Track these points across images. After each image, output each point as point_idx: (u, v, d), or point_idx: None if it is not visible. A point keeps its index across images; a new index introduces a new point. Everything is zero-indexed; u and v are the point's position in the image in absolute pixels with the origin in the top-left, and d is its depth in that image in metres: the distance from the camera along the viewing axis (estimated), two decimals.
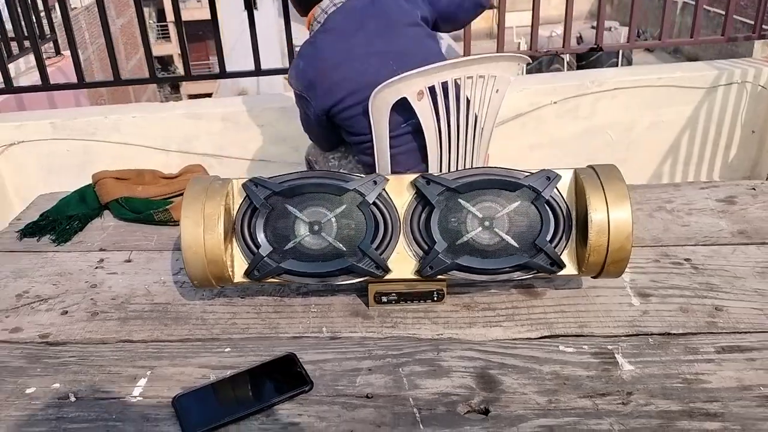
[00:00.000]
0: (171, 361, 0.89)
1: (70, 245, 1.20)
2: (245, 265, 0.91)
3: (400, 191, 0.92)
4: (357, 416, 0.78)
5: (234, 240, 0.92)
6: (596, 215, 0.85)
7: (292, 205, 0.90)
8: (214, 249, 0.87)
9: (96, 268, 1.12)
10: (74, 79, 3.69)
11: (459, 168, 1.73)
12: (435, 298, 0.96)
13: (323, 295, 1.01)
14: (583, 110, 2.58)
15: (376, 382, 0.83)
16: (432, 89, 1.60)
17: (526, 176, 0.90)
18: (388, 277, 0.91)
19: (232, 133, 2.43)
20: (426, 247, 0.90)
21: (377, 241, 0.90)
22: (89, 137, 2.42)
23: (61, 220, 1.24)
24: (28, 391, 0.84)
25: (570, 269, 0.91)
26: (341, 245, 0.89)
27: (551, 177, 0.89)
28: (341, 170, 1.99)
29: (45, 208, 1.32)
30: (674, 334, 0.90)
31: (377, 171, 1.82)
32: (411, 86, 1.59)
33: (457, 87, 1.63)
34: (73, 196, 1.32)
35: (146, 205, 1.27)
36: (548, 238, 0.89)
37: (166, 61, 24.13)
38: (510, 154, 2.62)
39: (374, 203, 0.90)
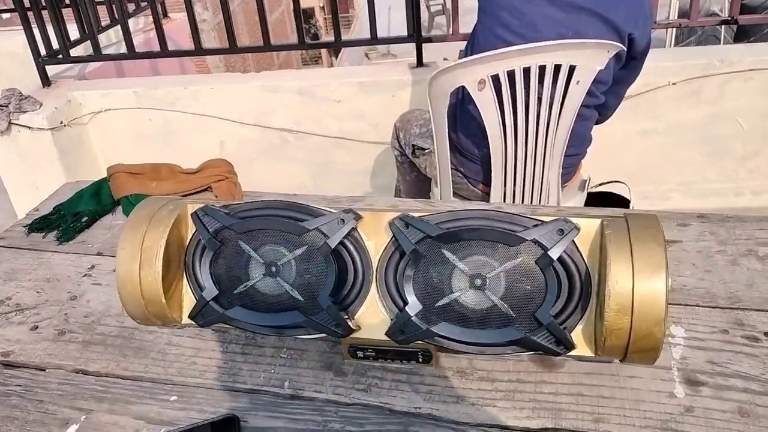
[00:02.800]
0: (111, 406, 0.79)
1: (71, 245, 1.14)
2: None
3: (376, 230, 0.75)
4: None
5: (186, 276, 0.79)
6: (616, 287, 0.64)
7: (246, 242, 0.75)
8: (151, 288, 0.75)
9: (84, 276, 1.05)
10: (182, 42, 3.74)
11: (528, 173, 1.50)
12: (420, 360, 0.79)
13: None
14: (708, 93, 2.20)
15: None
16: (496, 78, 1.38)
17: (535, 225, 0.69)
18: (356, 335, 0.75)
19: (308, 108, 2.31)
20: (401, 305, 0.72)
21: (344, 292, 0.74)
22: (169, 107, 2.41)
23: (68, 217, 1.18)
24: None
25: (584, 350, 0.70)
26: (298, 294, 0.74)
27: (565, 230, 0.68)
28: (418, 140, 1.82)
29: (64, 199, 1.27)
30: None
31: (436, 157, 1.62)
32: (470, 73, 1.38)
33: (528, 76, 1.39)
34: (89, 189, 1.26)
35: None
36: (556, 309, 0.68)
37: (308, 14, 24.51)
38: (616, 139, 2.30)
39: (342, 244, 0.73)
